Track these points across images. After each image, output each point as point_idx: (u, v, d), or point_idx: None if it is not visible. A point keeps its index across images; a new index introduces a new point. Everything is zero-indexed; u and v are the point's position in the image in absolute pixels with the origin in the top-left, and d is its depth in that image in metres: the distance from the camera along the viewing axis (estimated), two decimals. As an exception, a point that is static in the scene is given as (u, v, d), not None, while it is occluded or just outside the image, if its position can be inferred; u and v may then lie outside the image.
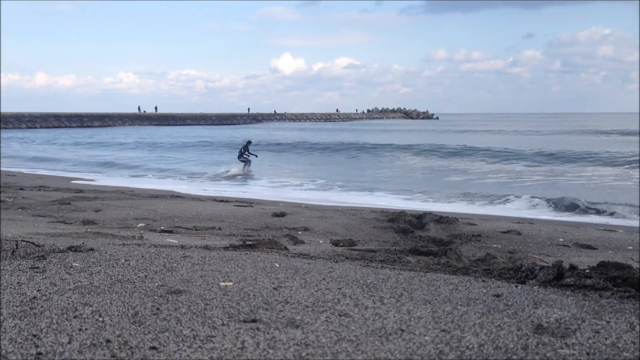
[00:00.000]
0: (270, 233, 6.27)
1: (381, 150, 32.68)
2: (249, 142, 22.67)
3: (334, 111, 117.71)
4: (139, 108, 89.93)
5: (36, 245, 3.67)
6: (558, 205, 12.69)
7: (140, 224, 6.62)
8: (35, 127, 65.65)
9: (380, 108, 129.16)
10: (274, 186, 17.41)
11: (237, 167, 21.47)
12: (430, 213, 8.63)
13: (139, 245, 4.19)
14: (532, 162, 24.77)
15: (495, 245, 6.33)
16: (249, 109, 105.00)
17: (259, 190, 16.35)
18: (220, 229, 6.59)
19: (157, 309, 2.42)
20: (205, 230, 6.32)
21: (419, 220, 8.01)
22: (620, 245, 6.63)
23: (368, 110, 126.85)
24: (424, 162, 26.76)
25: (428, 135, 50.34)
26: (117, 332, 2.12)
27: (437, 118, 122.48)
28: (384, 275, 3.25)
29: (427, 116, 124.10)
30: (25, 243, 3.69)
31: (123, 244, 4.21)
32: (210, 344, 2.04)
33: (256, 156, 22.34)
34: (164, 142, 43.01)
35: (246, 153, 21.97)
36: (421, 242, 6.44)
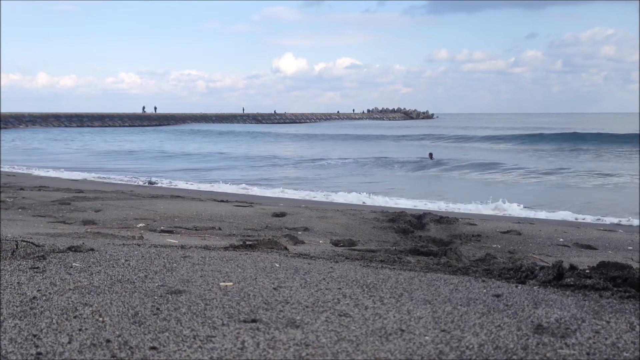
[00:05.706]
0: (270, 233, 6.27)
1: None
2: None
3: (335, 112, 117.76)
4: (142, 108, 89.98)
5: (36, 245, 3.67)
6: None
7: (140, 224, 6.61)
8: (35, 127, 65.63)
9: (380, 108, 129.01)
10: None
11: None
12: (430, 213, 8.64)
13: (139, 245, 4.19)
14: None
15: (495, 245, 6.33)
16: (243, 109, 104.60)
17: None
18: (220, 229, 6.59)
19: (157, 309, 2.42)
20: (205, 230, 6.32)
21: (419, 220, 8.00)
22: (620, 245, 6.63)
23: (368, 110, 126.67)
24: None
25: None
26: (117, 332, 2.12)
27: (438, 117, 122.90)
28: (384, 276, 3.25)
29: (427, 116, 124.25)
30: (25, 243, 3.69)
31: (123, 244, 4.21)
32: (210, 344, 2.04)
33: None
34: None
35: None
36: (421, 242, 6.44)
